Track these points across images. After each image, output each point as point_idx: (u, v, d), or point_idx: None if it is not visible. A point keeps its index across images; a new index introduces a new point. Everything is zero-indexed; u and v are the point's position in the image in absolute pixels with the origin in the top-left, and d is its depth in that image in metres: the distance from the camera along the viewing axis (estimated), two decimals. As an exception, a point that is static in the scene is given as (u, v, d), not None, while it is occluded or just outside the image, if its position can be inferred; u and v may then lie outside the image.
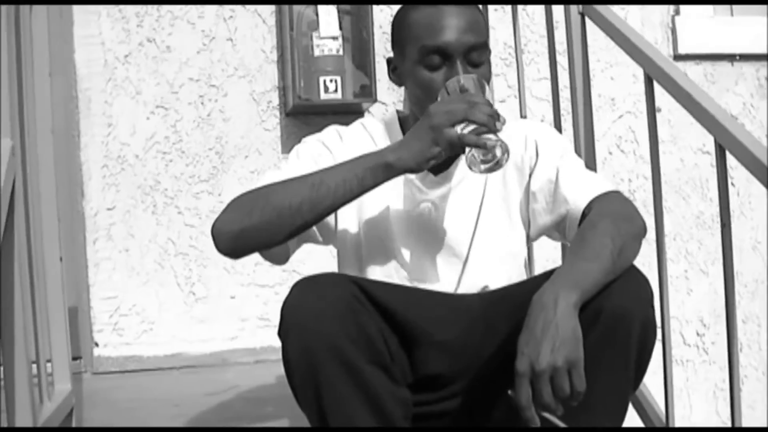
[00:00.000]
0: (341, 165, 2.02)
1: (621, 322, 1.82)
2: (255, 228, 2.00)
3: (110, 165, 3.99)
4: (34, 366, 2.33)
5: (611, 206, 2.02)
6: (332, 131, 2.28)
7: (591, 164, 2.65)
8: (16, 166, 2.21)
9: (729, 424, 2.27)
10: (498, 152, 1.91)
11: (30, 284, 2.36)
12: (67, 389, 2.72)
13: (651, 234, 4.39)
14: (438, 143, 1.93)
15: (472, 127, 1.90)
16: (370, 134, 2.27)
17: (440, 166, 2.17)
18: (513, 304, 1.92)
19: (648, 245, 4.39)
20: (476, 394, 2.06)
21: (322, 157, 2.19)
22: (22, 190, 2.30)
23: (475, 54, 2.10)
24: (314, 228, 2.19)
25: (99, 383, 3.75)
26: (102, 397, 3.44)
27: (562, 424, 1.76)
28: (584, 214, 2.04)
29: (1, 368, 2.13)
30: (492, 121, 1.91)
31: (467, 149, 1.93)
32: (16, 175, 2.21)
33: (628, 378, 1.88)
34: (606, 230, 1.90)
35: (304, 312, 1.85)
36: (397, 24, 2.21)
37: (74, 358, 3.07)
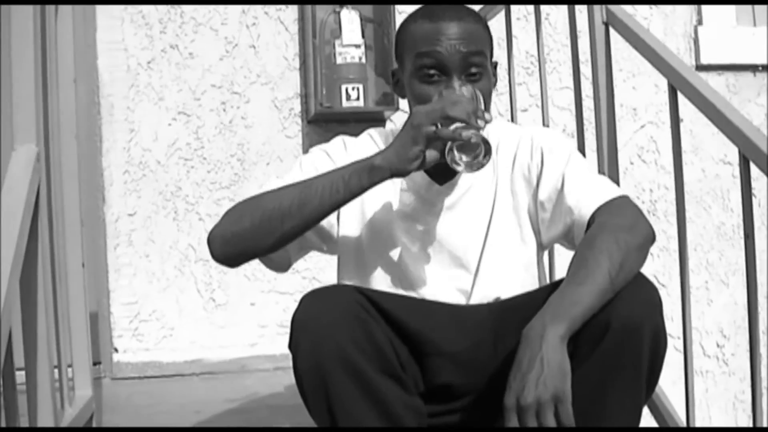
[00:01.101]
0: (332, 170, 2.03)
1: (631, 332, 1.80)
2: (246, 232, 2.02)
3: (132, 171, 4.01)
4: (55, 371, 2.34)
5: (613, 217, 1.98)
6: (338, 141, 2.28)
7: (614, 174, 2.64)
8: (40, 172, 2.23)
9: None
10: (478, 149, 1.91)
11: (52, 289, 2.37)
12: (88, 395, 2.73)
13: (672, 244, 4.39)
14: (417, 142, 1.93)
15: (453, 125, 1.90)
16: (376, 144, 2.25)
17: (445, 175, 2.17)
18: (523, 315, 1.91)
19: (669, 256, 4.40)
20: (488, 406, 2.05)
21: (323, 165, 2.17)
22: (46, 196, 2.31)
23: (473, 67, 2.08)
24: (316, 236, 2.20)
25: (118, 389, 3.76)
26: (121, 402, 3.45)
27: None
28: (590, 224, 2.01)
29: (24, 373, 2.14)
30: (473, 118, 1.91)
31: (447, 146, 1.93)
32: (40, 181, 2.22)
33: (641, 389, 1.85)
34: (603, 246, 1.87)
35: (313, 323, 1.85)
36: (398, 36, 2.20)
37: (94, 364, 3.08)
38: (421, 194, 2.19)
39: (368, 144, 2.26)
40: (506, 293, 2.13)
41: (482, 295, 2.14)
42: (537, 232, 2.19)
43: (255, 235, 2.02)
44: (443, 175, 2.17)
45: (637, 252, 1.89)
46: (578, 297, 1.80)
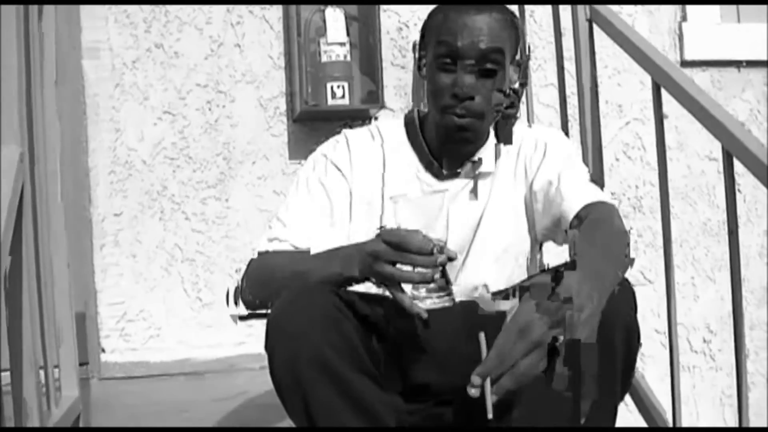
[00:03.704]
0: (325, 256, 2.05)
1: (602, 330, 1.75)
2: (268, 301, 2.05)
3: (118, 171, 4.00)
4: (41, 372, 2.33)
5: (610, 216, 1.99)
6: (341, 142, 2.30)
7: (598, 171, 2.65)
8: (24, 173, 2.22)
9: None
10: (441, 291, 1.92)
11: (38, 290, 2.36)
12: (75, 395, 2.72)
13: (658, 240, 4.40)
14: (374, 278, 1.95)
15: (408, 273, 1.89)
16: (381, 137, 2.30)
17: (453, 164, 2.23)
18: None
19: (655, 251, 4.41)
20: (466, 405, 2.05)
21: (331, 181, 2.23)
22: (30, 197, 2.31)
23: (489, 63, 2.11)
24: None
25: (106, 389, 3.75)
26: (109, 402, 3.44)
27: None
28: (579, 219, 2.02)
29: (9, 374, 2.13)
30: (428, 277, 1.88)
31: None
32: (24, 182, 2.21)
33: (615, 387, 1.86)
34: (616, 240, 1.87)
35: (288, 326, 1.87)
36: (427, 20, 2.23)
37: (81, 364, 3.07)
38: (427, 182, 2.24)
39: (371, 141, 2.30)
40: (492, 282, 2.16)
41: (467, 282, 2.16)
42: (532, 226, 2.22)
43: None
44: (449, 163, 2.24)
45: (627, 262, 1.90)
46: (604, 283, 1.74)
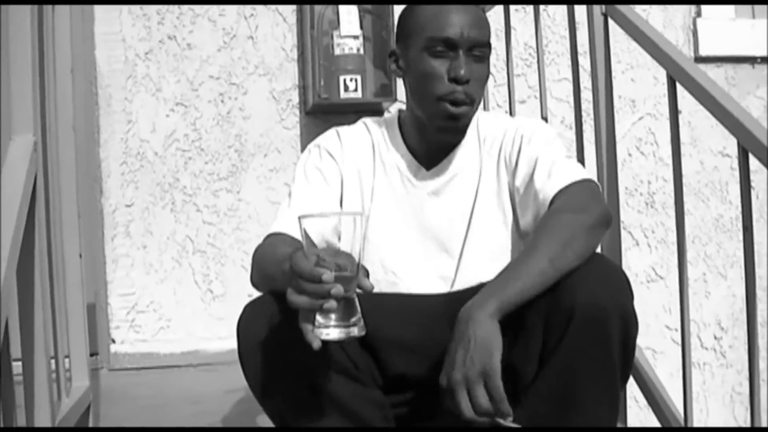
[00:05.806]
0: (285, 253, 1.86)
1: (596, 319, 1.77)
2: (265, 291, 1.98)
3: (129, 162, 4.00)
4: (52, 362, 2.34)
5: (568, 199, 1.99)
6: (333, 135, 2.30)
7: (612, 166, 2.64)
8: (37, 162, 2.22)
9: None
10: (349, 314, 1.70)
11: (50, 280, 2.36)
12: (85, 385, 2.72)
13: (670, 237, 4.39)
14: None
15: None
16: (371, 134, 2.29)
17: (433, 159, 2.21)
18: None
19: (666, 248, 4.39)
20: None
21: (328, 168, 2.22)
22: (43, 186, 2.30)
23: (478, 50, 2.11)
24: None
25: (116, 380, 3.76)
26: (119, 393, 3.45)
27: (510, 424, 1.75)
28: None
29: (21, 364, 2.13)
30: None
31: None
32: (37, 172, 2.21)
33: (614, 375, 1.83)
34: (548, 227, 1.89)
35: (257, 336, 1.85)
36: (404, 18, 2.22)
37: (91, 355, 3.08)
38: (411, 180, 2.22)
39: (362, 133, 2.30)
40: (490, 278, 2.13)
41: (465, 281, 2.14)
42: (518, 218, 2.19)
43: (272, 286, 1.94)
44: (431, 159, 2.21)
45: (586, 232, 1.88)
46: (514, 275, 1.82)
